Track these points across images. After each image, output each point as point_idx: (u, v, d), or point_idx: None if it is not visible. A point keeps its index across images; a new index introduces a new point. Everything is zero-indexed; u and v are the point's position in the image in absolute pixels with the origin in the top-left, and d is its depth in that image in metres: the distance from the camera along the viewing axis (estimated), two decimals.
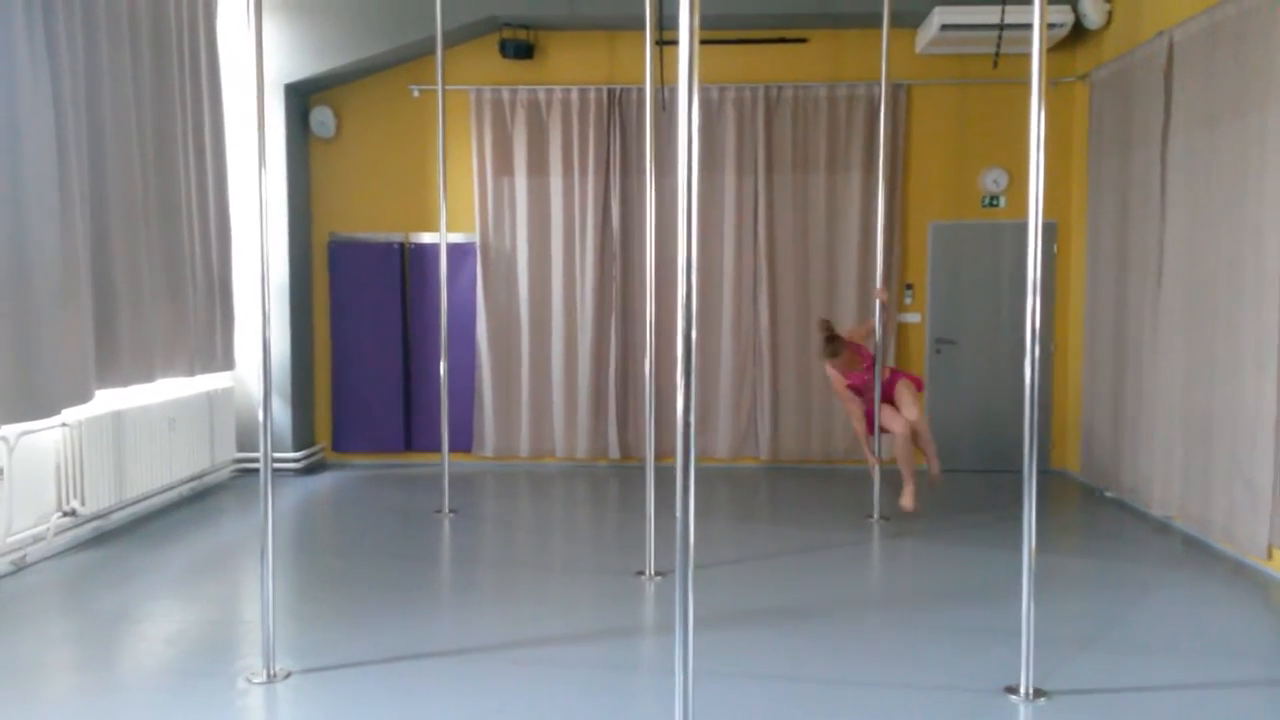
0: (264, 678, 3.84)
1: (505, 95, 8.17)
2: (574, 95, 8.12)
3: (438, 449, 6.86)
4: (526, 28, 7.99)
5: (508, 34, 7.97)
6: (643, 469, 6.11)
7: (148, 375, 6.15)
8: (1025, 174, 4.27)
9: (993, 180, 8.08)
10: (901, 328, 8.21)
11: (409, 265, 8.35)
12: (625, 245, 8.23)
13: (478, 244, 8.26)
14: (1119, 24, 7.18)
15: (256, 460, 7.73)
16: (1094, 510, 6.85)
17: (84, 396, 5.43)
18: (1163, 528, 6.29)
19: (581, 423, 8.27)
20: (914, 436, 6.31)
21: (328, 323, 8.39)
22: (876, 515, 6.48)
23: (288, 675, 3.88)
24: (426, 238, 8.31)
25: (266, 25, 7.56)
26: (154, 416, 6.58)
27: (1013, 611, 3.84)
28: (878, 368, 6.41)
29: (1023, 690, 3.71)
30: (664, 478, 5.09)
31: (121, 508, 6.29)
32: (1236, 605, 4.84)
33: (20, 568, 5.29)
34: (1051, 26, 7.25)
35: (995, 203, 8.11)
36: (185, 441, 6.97)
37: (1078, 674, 3.92)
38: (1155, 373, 6.44)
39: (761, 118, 8.05)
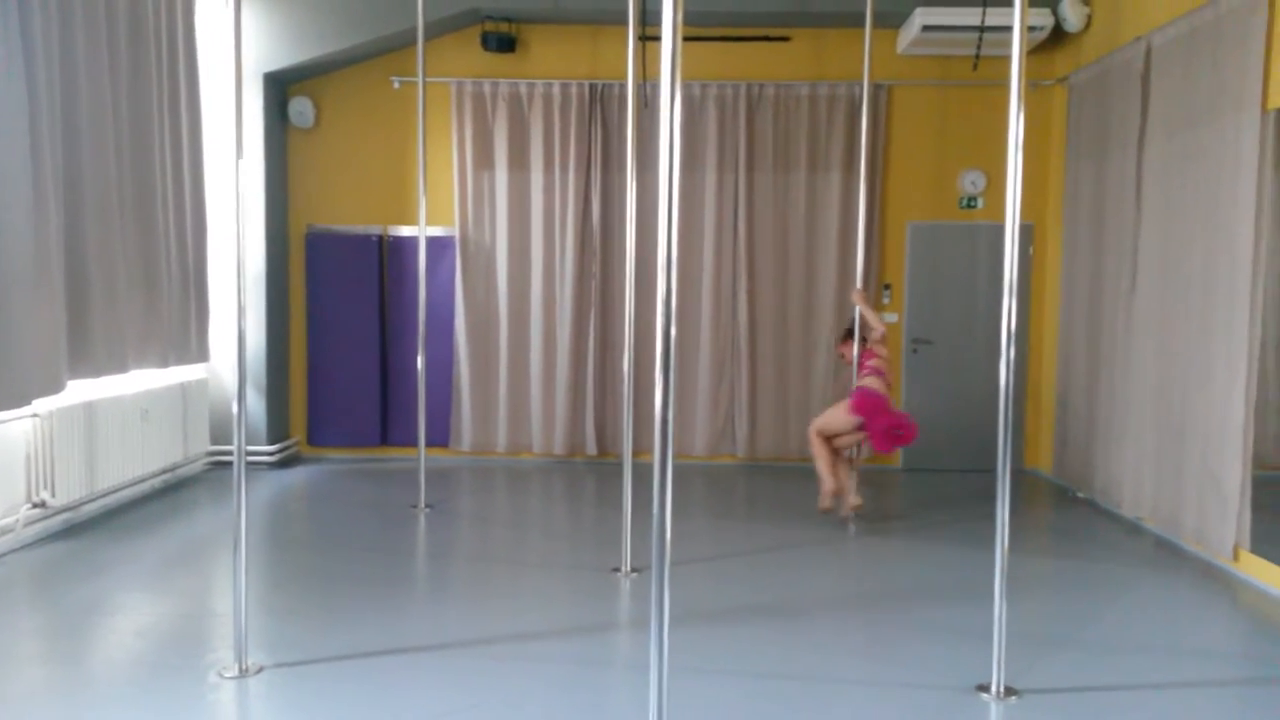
0: (236, 672, 3.81)
1: (486, 88, 8.13)
2: (555, 90, 8.10)
3: (414, 444, 6.84)
4: (508, 20, 7.96)
5: (489, 27, 7.94)
6: (620, 465, 6.11)
7: (120, 366, 6.08)
8: (1003, 176, 4.30)
9: (971, 182, 8.13)
10: None
11: (387, 258, 8.30)
12: (605, 241, 8.22)
13: (457, 238, 8.23)
14: (1098, 28, 7.24)
15: (230, 453, 7.70)
16: (1066, 510, 6.91)
17: (55, 387, 5.37)
18: (1134, 529, 6.36)
19: (559, 419, 8.26)
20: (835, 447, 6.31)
21: (304, 315, 8.33)
22: (851, 514, 6.51)
23: (260, 670, 3.85)
24: (405, 231, 8.27)
25: (245, 13, 7.49)
26: (126, 408, 6.51)
27: (985, 610, 3.87)
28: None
29: (994, 689, 3.74)
30: (641, 474, 5.09)
31: (93, 499, 6.22)
32: (1205, 606, 4.90)
33: None
34: (1031, 29, 7.30)
35: (973, 204, 8.17)
36: (158, 433, 6.90)
37: (1048, 673, 3.96)
38: (1128, 375, 6.51)
39: (743, 115, 8.06)
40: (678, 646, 3.99)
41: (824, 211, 8.13)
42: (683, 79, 3.05)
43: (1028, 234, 8.15)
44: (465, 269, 8.25)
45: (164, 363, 6.61)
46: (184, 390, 7.27)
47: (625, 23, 5.10)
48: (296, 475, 7.73)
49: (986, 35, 7.01)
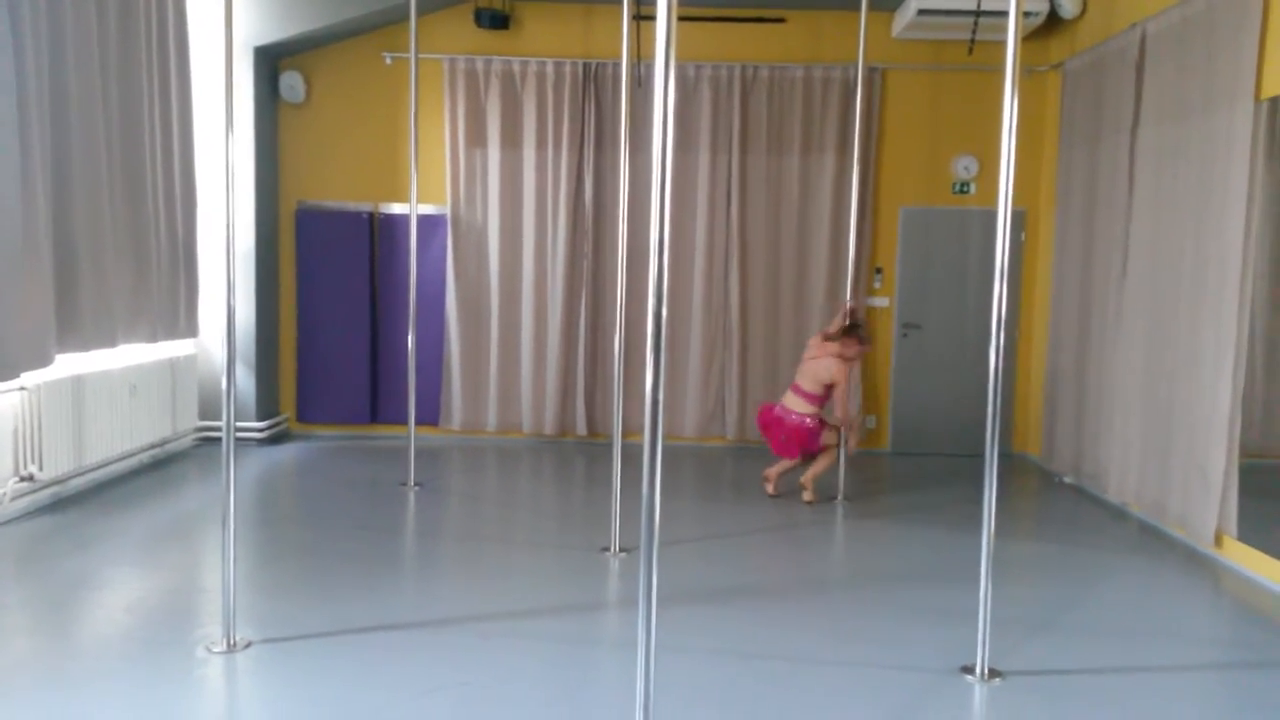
0: (224, 647, 3.81)
1: (479, 65, 8.08)
2: (549, 68, 8.05)
3: (404, 421, 6.82)
4: None
5: (483, 3, 7.88)
6: (610, 446, 6.12)
7: (109, 340, 6.05)
8: (996, 161, 4.31)
9: (964, 167, 8.13)
10: (870, 312, 8.26)
11: (378, 235, 8.27)
12: (597, 221, 8.20)
13: (448, 216, 8.20)
14: (1093, 14, 7.22)
15: (219, 429, 7.64)
16: (1052, 495, 6.96)
17: (44, 360, 5.34)
18: (1119, 514, 6.41)
19: (550, 399, 8.27)
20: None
21: (294, 292, 8.29)
22: (840, 496, 6.55)
23: (248, 645, 3.86)
24: (396, 208, 8.23)
25: None
26: (115, 382, 6.48)
27: (970, 593, 3.90)
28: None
29: (978, 670, 3.77)
30: (631, 455, 5.11)
31: (81, 474, 6.21)
32: (1188, 591, 4.95)
33: None
34: (1027, 15, 7.28)
35: (966, 189, 8.17)
36: (147, 408, 6.88)
37: (1032, 655, 4.00)
38: (1116, 362, 6.54)
39: (737, 97, 8.03)
40: (665, 626, 4.01)
41: (817, 195, 8.13)
42: (677, 59, 3.04)
43: (1019, 220, 8.16)
44: (456, 247, 8.22)
45: (153, 337, 6.58)
46: (173, 365, 7.25)
47: (620, 2, 5.07)
48: (286, 452, 7.72)
49: (982, 20, 6.99)
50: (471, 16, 7.96)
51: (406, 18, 7.09)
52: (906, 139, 8.17)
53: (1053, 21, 7.62)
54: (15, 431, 5.57)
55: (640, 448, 2.72)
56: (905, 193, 8.21)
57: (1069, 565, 5.31)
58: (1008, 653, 3.99)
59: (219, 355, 7.68)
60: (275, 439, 8.10)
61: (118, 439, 6.54)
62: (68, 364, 5.96)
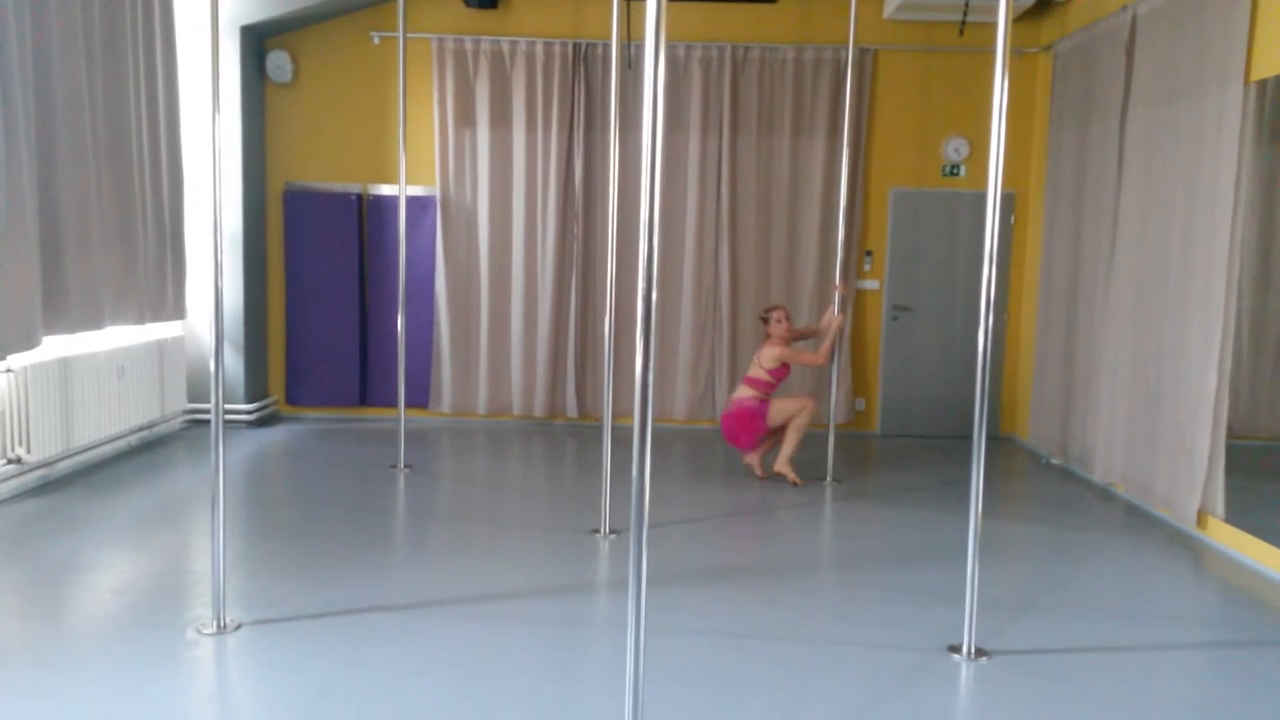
0: (214, 629, 3.82)
1: (468, 45, 8.02)
2: (539, 48, 8.00)
3: (394, 404, 6.83)
4: None
5: None
6: (599, 428, 6.13)
7: (96, 322, 6.01)
8: (986, 143, 4.31)
9: (954, 149, 8.12)
10: (859, 294, 8.27)
11: (367, 217, 8.23)
12: (587, 203, 8.17)
13: (438, 197, 8.16)
14: None
15: (208, 411, 7.66)
16: (1039, 476, 7.00)
17: (31, 342, 5.31)
18: (1105, 494, 6.45)
19: (540, 381, 8.26)
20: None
21: (282, 273, 8.25)
22: (829, 478, 6.57)
23: (238, 627, 3.87)
24: (385, 189, 8.19)
25: None
26: (102, 364, 6.45)
27: (957, 573, 3.93)
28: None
29: (965, 650, 3.81)
30: (621, 437, 5.12)
31: (68, 456, 6.19)
32: (1172, 571, 4.99)
33: None
34: None
35: (956, 171, 8.17)
36: (135, 390, 6.85)
37: (1019, 635, 4.04)
38: (1105, 344, 6.57)
39: (727, 78, 8.00)
40: (655, 607, 4.04)
41: (807, 177, 8.11)
42: (667, 40, 3.01)
43: (1009, 202, 8.17)
44: (446, 229, 8.19)
45: (140, 319, 6.54)
46: (161, 347, 7.21)
47: None
48: (274, 434, 7.71)
49: (972, 1, 6.96)
50: None
51: None
52: (897, 121, 8.16)
53: (1043, 3, 7.60)
54: (2, 414, 5.54)
55: (630, 430, 2.72)
56: (895, 175, 8.20)
57: (1056, 546, 5.35)
58: (995, 632, 4.02)
59: (207, 337, 7.67)
60: (264, 421, 8.08)
61: (106, 421, 6.51)
62: (55, 346, 5.93)
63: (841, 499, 6.23)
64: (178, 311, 7.09)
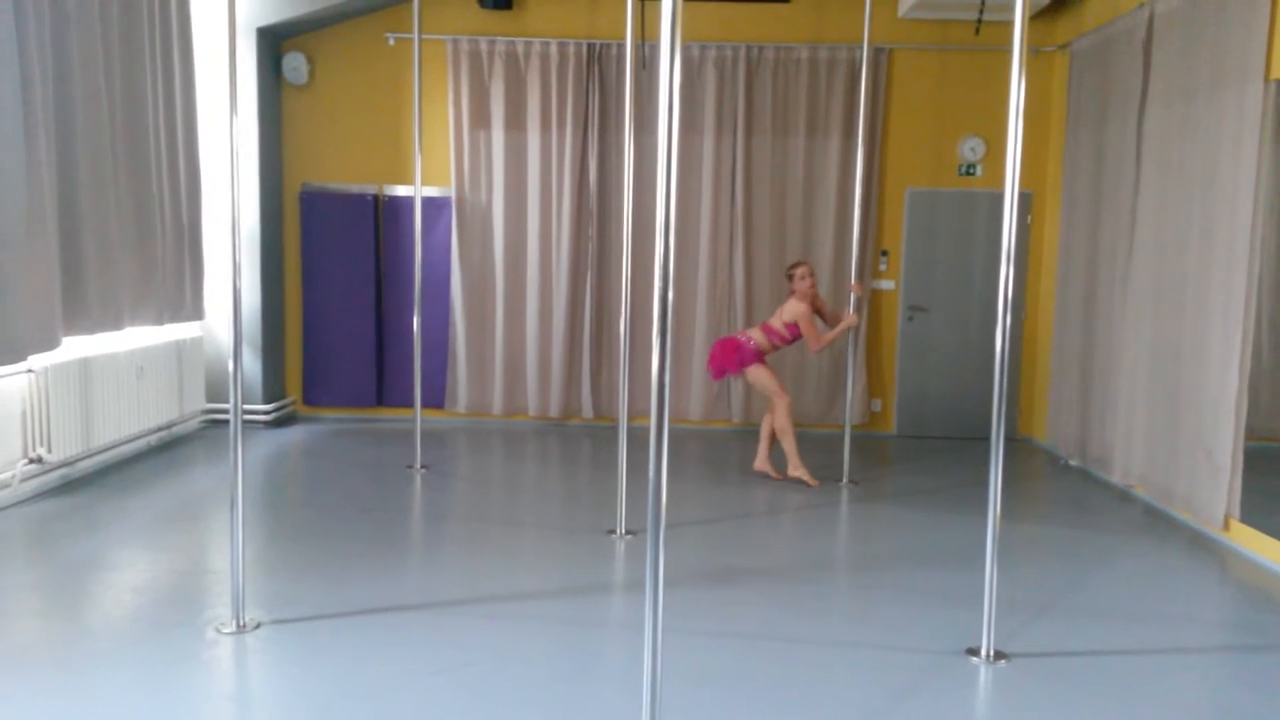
0: (233, 628, 3.84)
1: (483, 46, 8.04)
2: (553, 49, 8.01)
3: (410, 404, 6.84)
4: None
5: None
6: (615, 429, 6.13)
7: (116, 323, 6.06)
8: (1003, 143, 4.29)
9: (970, 148, 8.08)
10: (875, 294, 8.24)
11: (383, 218, 8.26)
12: (602, 204, 8.18)
13: (453, 198, 8.18)
14: None
15: (226, 411, 7.71)
16: (1058, 478, 6.96)
17: (51, 343, 5.35)
18: (1124, 496, 6.41)
19: (555, 381, 8.27)
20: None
21: (299, 274, 8.30)
22: (845, 479, 6.55)
23: (257, 626, 3.89)
24: (401, 190, 8.22)
25: None
26: (122, 365, 6.50)
27: (976, 575, 3.91)
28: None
29: (984, 652, 3.79)
30: (636, 438, 5.12)
31: (89, 456, 6.24)
32: (1194, 574, 4.95)
33: None
34: None
35: (972, 171, 8.13)
36: (154, 391, 6.90)
37: (1037, 637, 4.01)
38: (1123, 344, 6.52)
39: (742, 78, 7.99)
40: (671, 608, 4.04)
41: (822, 176, 8.09)
42: (682, 40, 3.02)
43: (1026, 202, 8.13)
44: (461, 229, 8.21)
45: (159, 320, 6.59)
46: (179, 348, 7.26)
47: None
48: (292, 434, 7.74)
49: (988, 0, 6.93)
50: None
51: None
52: (912, 120, 8.13)
53: (1060, 1, 7.56)
54: (23, 414, 5.59)
55: (645, 431, 2.72)
56: (911, 174, 8.17)
57: (1074, 548, 5.31)
58: (1013, 635, 4.00)
59: (225, 338, 7.71)
60: (281, 421, 8.12)
61: (125, 421, 6.56)
62: (75, 347, 5.97)
63: (858, 500, 6.21)
64: (196, 312, 7.14)
